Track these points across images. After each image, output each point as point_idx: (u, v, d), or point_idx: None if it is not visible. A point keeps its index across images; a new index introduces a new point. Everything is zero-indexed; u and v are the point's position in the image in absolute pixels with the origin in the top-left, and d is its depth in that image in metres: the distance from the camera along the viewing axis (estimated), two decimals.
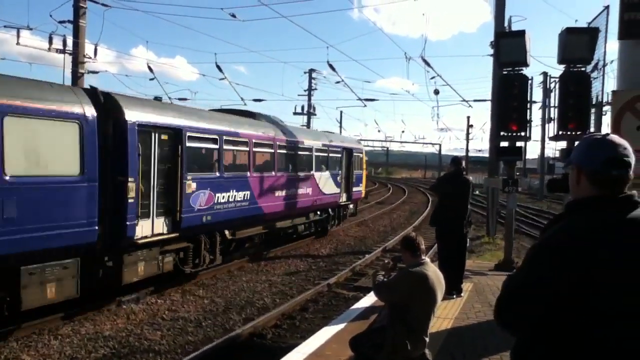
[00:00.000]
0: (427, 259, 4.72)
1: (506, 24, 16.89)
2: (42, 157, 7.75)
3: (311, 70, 44.58)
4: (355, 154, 20.99)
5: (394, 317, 4.50)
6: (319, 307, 9.99)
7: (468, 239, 9.50)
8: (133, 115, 9.19)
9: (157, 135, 9.93)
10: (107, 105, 8.94)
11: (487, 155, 23.84)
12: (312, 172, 16.91)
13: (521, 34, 10.31)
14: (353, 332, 5.80)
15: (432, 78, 40.11)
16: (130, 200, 8.98)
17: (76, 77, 26.03)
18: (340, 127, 56.10)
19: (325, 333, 6.67)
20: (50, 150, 7.88)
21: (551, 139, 10.62)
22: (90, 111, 8.43)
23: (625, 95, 5.94)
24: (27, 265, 7.44)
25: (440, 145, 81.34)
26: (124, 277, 9.10)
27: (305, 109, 44.82)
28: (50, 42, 24.15)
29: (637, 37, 5.86)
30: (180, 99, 35.20)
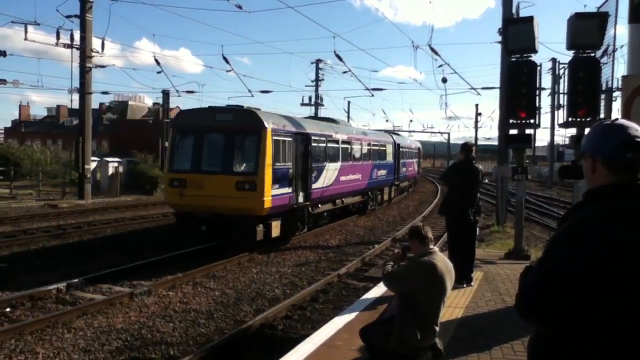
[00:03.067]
0: (435, 248, 4.71)
1: (514, 10, 16.75)
2: (388, 155, 25.58)
3: (318, 61, 44.40)
4: (420, 149, 39.49)
5: (404, 307, 4.50)
6: (329, 297, 10.02)
7: (478, 228, 9.47)
8: (396, 140, 28.35)
9: (397, 146, 27.66)
10: (393, 137, 28.37)
11: (496, 143, 23.81)
12: (413, 160, 34.38)
13: (529, 20, 10.21)
14: (363, 322, 5.82)
15: (440, 66, 39.96)
16: (396, 168, 27.45)
17: (84, 71, 26.17)
18: (348, 117, 55.91)
19: (336, 323, 6.70)
20: (389, 154, 25.88)
21: (561, 125, 10.56)
22: (391, 140, 27.08)
23: (635, 80, 5.86)
24: (384, 188, 25.45)
25: (448, 134, 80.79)
26: (394, 195, 28.08)
27: (313, 99, 44.68)
28: (58, 36, 24.26)
29: None
30: (188, 92, 35.23)
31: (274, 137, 13.58)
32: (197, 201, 13.39)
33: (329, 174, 17.05)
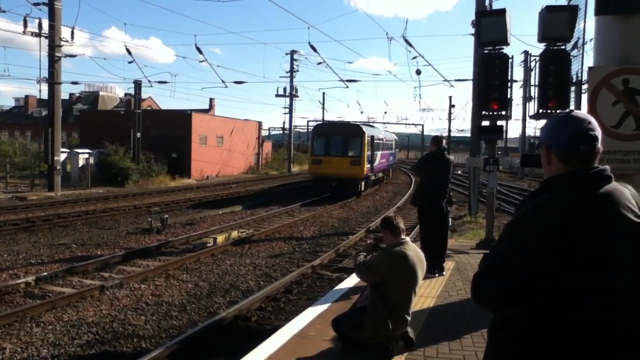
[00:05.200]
0: (407, 238, 4.74)
1: (487, 2, 16.88)
2: (392, 147, 38.95)
3: (293, 52, 44.19)
4: (397, 141, 47.26)
5: (375, 297, 4.53)
6: (303, 288, 10.03)
7: (450, 218, 9.57)
8: (394, 137, 44.01)
9: (395, 141, 41.84)
10: (393, 135, 44.14)
11: (469, 135, 24.08)
12: (394, 151, 40.21)
13: (502, 12, 10.28)
14: (337, 312, 5.84)
15: (414, 58, 40.47)
16: (394, 155, 42.85)
17: (53, 60, 25.58)
18: (323, 108, 56.03)
19: (309, 314, 6.70)
20: (393, 146, 38.81)
21: (532, 117, 10.69)
22: (393, 137, 41.37)
23: (601, 72, 5.96)
24: (390, 168, 38.42)
25: (422, 125, 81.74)
26: (392, 174, 41.40)
27: (288, 90, 44.47)
28: (25, 25, 23.63)
29: (612, 13, 5.88)
30: (160, 82, 34.73)
31: (367, 138, 25.87)
32: (328, 171, 24.95)
33: (376, 158, 29.07)
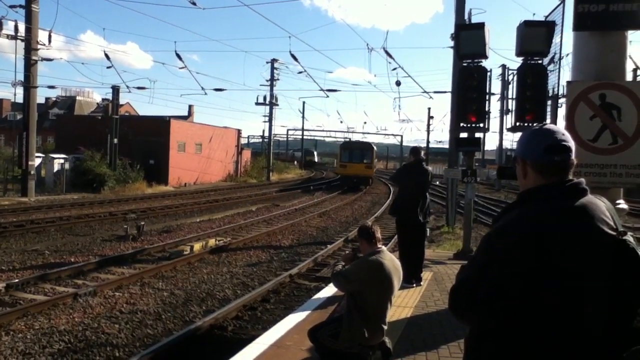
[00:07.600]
0: (383, 247, 4.74)
1: (466, 16, 17.12)
2: (378, 156, 70.36)
3: (273, 60, 44.28)
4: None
5: (351, 306, 4.51)
6: (280, 297, 9.96)
7: (428, 229, 9.62)
8: (375, 148, 48.99)
9: (375, 152, 49.79)
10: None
11: (447, 146, 24.39)
12: (374, 158, 45.55)
13: (480, 26, 10.43)
14: (314, 322, 5.80)
15: (394, 69, 40.71)
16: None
17: (29, 64, 25.19)
18: (303, 117, 56.10)
19: (286, 323, 6.65)
20: (377, 155, 59.45)
21: (509, 130, 10.83)
22: (373, 147, 46.21)
23: (579, 86, 6.08)
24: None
25: (401, 136, 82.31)
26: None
27: (268, 99, 44.49)
28: (0, 27, 23.29)
29: (590, 29, 6.01)
30: (138, 88, 34.44)
31: (374, 150, 43.51)
32: (351, 172, 39.13)
33: (374, 163, 42.37)
